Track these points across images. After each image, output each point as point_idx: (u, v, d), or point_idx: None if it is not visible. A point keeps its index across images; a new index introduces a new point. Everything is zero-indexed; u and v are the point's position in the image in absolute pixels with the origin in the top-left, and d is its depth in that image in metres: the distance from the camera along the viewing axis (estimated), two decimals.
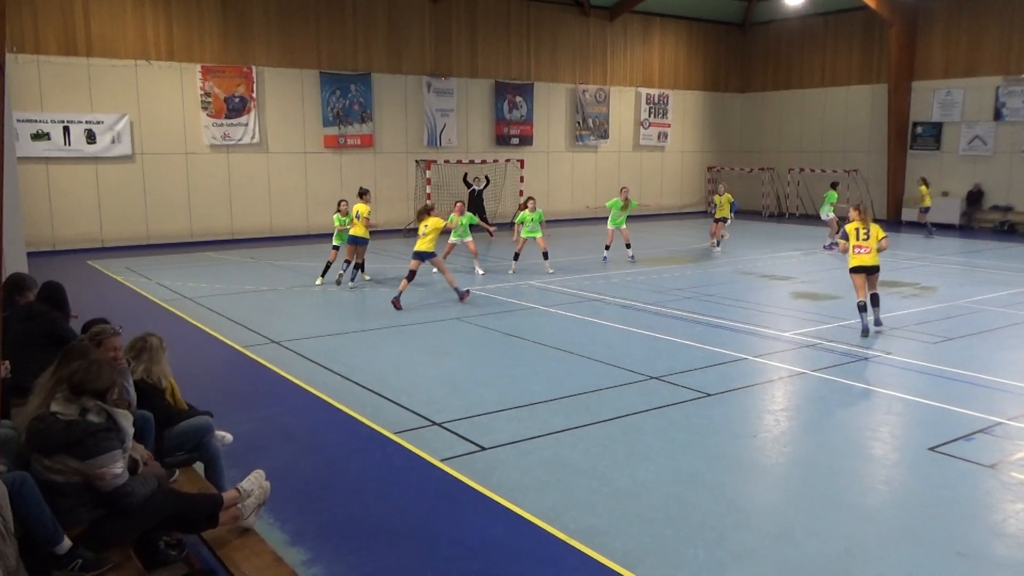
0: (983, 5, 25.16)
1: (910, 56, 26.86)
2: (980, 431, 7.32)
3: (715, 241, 20.29)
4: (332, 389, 8.56)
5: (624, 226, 17.88)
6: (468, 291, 13.48)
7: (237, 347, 10.43)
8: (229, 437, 5.84)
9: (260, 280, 15.58)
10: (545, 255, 16.36)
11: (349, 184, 23.69)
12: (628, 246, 17.98)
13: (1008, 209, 25.09)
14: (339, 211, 14.91)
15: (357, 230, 14.56)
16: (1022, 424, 7.54)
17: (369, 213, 14.74)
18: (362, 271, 15.14)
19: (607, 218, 18.03)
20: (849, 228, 11.19)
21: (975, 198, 25.70)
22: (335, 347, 10.44)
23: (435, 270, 13.65)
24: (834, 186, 21.73)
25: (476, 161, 25.10)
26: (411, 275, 12.92)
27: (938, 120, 26.68)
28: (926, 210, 23.90)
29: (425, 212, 13.37)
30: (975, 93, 25.66)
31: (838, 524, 5.53)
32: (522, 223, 16.41)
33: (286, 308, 13.11)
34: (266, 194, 22.53)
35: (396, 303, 12.65)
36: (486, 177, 24.61)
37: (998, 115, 25.19)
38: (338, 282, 14.78)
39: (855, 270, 11.06)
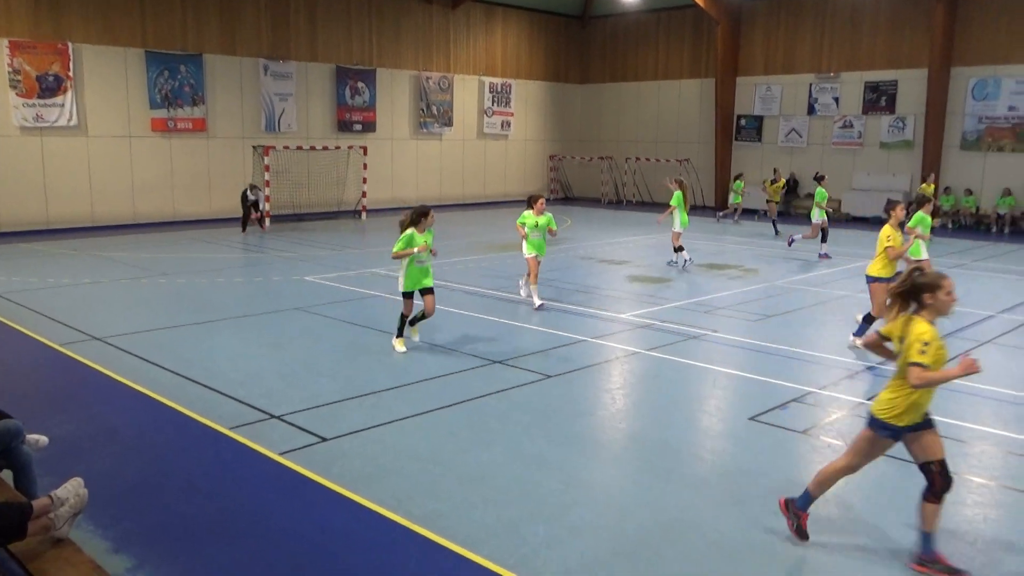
0: (798, 7, 27.13)
1: (734, 53, 28.58)
2: (793, 400, 7.93)
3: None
4: (161, 386, 8.09)
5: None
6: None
7: (53, 345, 9.65)
8: (44, 440, 5.41)
9: (80, 273, 14.47)
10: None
11: (180, 169, 22.46)
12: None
13: None
14: (532, 208, 12.06)
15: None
16: (830, 393, 8.23)
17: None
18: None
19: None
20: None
21: (792, 187, 27.71)
22: (165, 342, 9.87)
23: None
24: (820, 180, 18.33)
25: (317, 148, 24.44)
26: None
27: (759, 114, 28.57)
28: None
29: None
30: (792, 89, 27.67)
31: (669, 494, 5.82)
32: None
33: (110, 302, 12.25)
34: (86, 180, 20.93)
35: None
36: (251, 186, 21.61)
37: (811, 110, 27.30)
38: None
39: None
